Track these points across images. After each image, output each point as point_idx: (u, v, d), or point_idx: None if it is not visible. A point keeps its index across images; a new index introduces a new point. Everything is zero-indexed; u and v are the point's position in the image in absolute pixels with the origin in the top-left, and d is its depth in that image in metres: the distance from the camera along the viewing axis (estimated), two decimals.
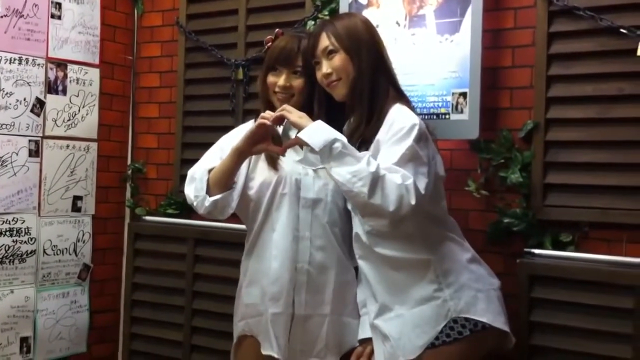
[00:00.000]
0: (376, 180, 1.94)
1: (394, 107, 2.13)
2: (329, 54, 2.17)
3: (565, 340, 2.36)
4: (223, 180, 2.25)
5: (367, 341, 2.26)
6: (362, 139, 2.14)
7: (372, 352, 2.22)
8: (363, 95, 2.15)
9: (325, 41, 2.18)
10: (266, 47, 2.41)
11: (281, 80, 2.29)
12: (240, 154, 2.23)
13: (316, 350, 2.30)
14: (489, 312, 2.12)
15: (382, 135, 2.08)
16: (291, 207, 2.28)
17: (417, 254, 2.14)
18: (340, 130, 2.18)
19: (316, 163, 2.21)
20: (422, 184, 1.99)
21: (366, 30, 2.20)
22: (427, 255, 2.13)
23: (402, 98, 2.21)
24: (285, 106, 2.16)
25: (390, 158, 2.01)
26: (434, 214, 2.17)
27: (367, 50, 2.17)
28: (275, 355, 2.28)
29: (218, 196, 2.24)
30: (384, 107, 2.14)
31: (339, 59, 2.16)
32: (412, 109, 2.19)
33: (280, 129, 2.24)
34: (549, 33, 2.52)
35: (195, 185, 2.28)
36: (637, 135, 2.38)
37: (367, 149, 2.10)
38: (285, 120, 2.14)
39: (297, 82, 2.30)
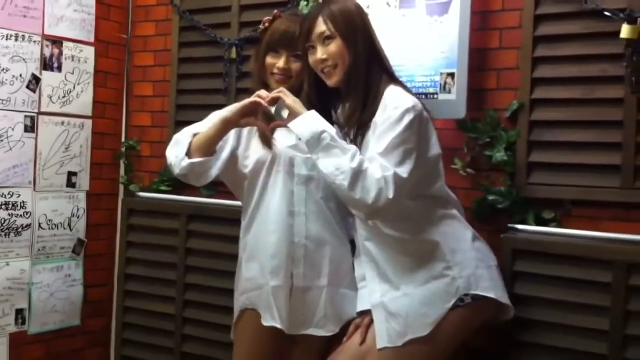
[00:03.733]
0: (357, 175, 2.03)
1: (388, 89, 2.17)
2: (325, 39, 2.20)
3: (546, 312, 2.41)
4: (205, 146, 2.28)
5: (366, 313, 2.31)
6: (360, 122, 2.18)
7: (370, 323, 2.27)
8: (359, 83, 2.18)
9: (321, 26, 2.20)
10: (263, 27, 2.45)
11: (281, 62, 2.34)
12: (227, 123, 2.28)
13: (315, 320, 2.36)
14: (494, 288, 2.21)
15: (377, 117, 2.13)
16: (285, 183, 2.34)
17: (423, 234, 2.20)
18: (328, 112, 2.25)
19: (306, 151, 2.23)
20: (405, 170, 2.05)
21: (359, 15, 2.24)
22: (433, 236, 2.20)
23: (396, 81, 2.25)
24: (282, 89, 2.22)
25: (377, 147, 2.08)
26: (433, 194, 2.24)
27: (363, 37, 2.20)
28: (279, 326, 2.34)
29: (196, 159, 2.27)
30: (377, 90, 2.17)
31: (335, 45, 2.18)
32: (407, 89, 2.23)
33: (272, 108, 2.29)
34: (535, 15, 2.56)
35: (177, 147, 2.32)
36: (619, 115, 2.42)
37: (365, 132, 2.16)
38: (279, 100, 2.20)
39: (296, 66, 2.35)
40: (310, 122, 2.13)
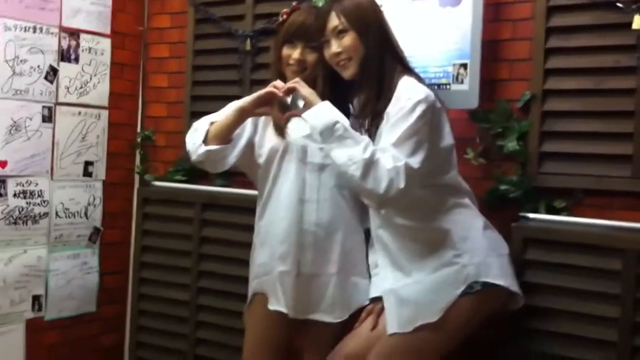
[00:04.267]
0: (369, 166, 2.06)
1: (402, 80, 2.20)
2: (339, 33, 2.23)
3: (557, 300, 2.43)
4: (221, 134, 2.35)
5: (378, 299, 2.34)
6: (374, 113, 2.21)
7: (382, 310, 2.30)
8: (372, 74, 2.22)
9: (334, 20, 2.23)
10: (281, 19, 2.48)
11: (296, 54, 2.37)
12: (243, 112, 2.34)
13: (323, 306, 2.38)
14: (504, 277, 2.24)
15: (391, 108, 2.16)
16: (298, 171, 2.37)
17: (434, 222, 2.23)
18: (345, 105, 2.29)
19: (319, 141, 2.24)
20: (417, 161, 2.08)
21: (372, 9, 2.27)
22: (444, 224, 2.23)
23: (410, 72, 2.27)
24: (298, 80, 2.26)
25: (389, 138, 2.11)
26: (445, 183, 2.27)
27: (376, 29, 2.23)
28: (283, 310, 2.37)
29: (212, 147, 2.35)
30: (391, 81, 2.20)
31: (349, 38, 2.22)
32: (421, 80, 2.26)
33: (288, 98, 2.32)
34: (548, 7, 2.59)
35: (195, 135, 2.40)
36: (630, 106, 2.45)
37: (379, 123, 2.19)
38: (295, 91, 2.24)
39: (311, 57, 2.37)
40: (324, 112, 2.17)
